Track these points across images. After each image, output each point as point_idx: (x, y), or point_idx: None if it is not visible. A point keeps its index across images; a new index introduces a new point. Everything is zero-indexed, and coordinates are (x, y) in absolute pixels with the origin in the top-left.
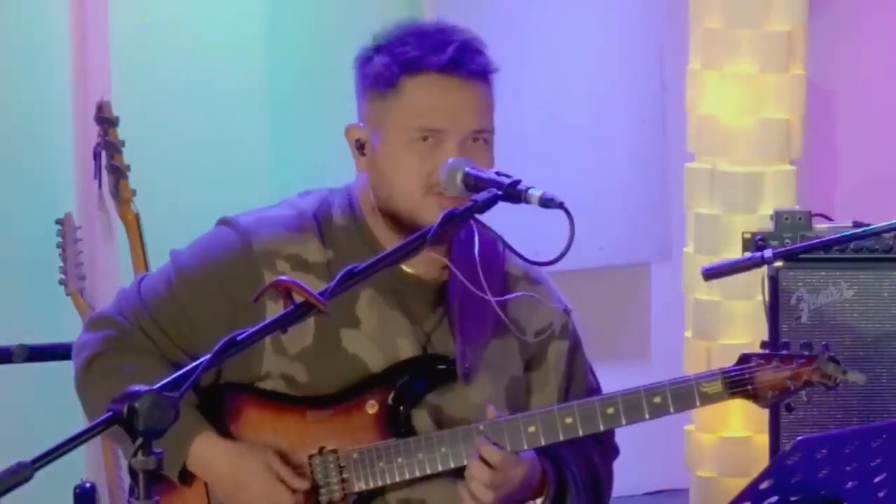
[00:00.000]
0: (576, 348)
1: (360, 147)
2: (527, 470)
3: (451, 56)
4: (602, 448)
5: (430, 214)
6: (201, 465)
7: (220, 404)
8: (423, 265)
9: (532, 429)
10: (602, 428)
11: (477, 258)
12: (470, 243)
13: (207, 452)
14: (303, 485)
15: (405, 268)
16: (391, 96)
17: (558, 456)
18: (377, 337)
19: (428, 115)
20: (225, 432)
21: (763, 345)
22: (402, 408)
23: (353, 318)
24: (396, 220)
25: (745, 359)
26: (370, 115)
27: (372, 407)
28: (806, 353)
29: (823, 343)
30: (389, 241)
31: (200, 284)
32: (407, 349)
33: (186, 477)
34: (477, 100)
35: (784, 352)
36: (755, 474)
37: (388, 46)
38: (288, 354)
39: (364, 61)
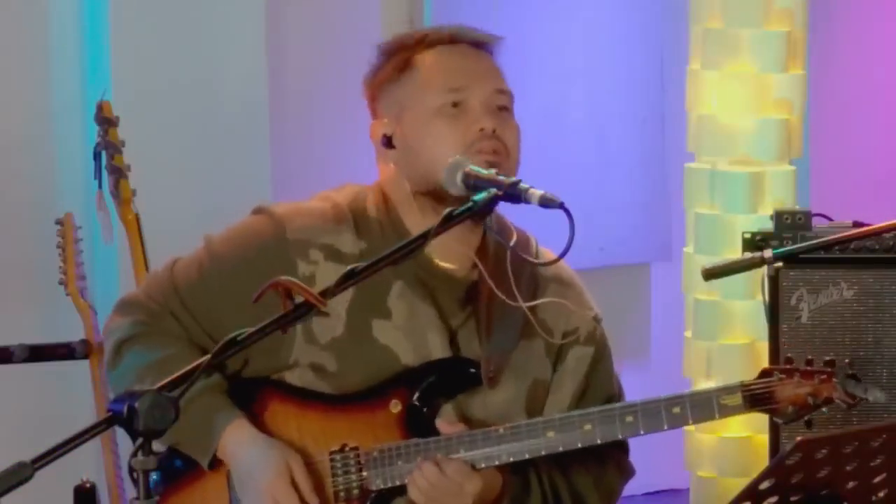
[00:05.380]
0: (600, 357)
1: (387, 142)
2: (479, 487)
3: (454, 29)
4: (604, 467)
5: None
6: (229, 452)
7: (245, 397)
8: (456, 261)
9: (551, 433)
10: (620, 436)
11: (509, 257)
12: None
13: (235, 442)
14: (314, 501)
15: (438, 262)
16: (407, 76)
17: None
18: (407, 329)
19: (449, 76)
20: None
21: (786, 360)
22: (425, 409)
23: (385, 310)
24: (438, 197)
25: (766, 373)
26: (390, 105)
27: (395, 406)
28: (827, 369)
29: (846, 360)
30: None
31: (232, 270)
32: (436, 343)
33: (213, 463)
34: (489, 63)
35: (806, 367)
36: (755, 474)
37: (392, 43)
38: (318, 343)
39: (372, 69)
